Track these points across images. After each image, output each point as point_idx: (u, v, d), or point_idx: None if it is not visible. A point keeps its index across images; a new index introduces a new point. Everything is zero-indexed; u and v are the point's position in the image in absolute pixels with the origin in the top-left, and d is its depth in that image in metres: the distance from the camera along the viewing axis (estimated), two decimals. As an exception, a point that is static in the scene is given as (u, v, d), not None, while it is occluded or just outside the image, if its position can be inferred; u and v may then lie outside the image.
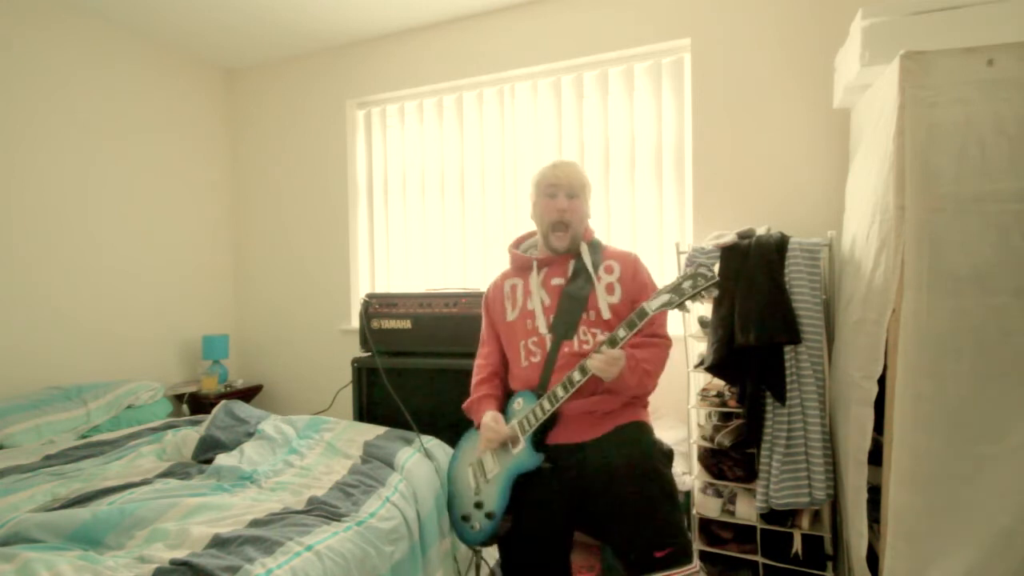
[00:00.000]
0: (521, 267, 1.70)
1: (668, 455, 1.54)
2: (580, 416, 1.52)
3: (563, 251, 1.63)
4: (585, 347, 1.54)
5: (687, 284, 1.40)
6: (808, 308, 1.77)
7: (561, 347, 1.55)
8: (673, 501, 1.45)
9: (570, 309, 1.57)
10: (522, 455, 1.51)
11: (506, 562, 1.60)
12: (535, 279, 1.64)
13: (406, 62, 3.06)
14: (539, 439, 1.52)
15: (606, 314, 1.54)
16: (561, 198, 1.60)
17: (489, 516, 1.55)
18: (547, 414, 1.49)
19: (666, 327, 1.61)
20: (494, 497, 1.55)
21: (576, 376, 1.44)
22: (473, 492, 1.61)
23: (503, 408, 1.64)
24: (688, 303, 1.41)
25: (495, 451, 1.57)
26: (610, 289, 1.58)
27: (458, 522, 1.66)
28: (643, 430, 1.55)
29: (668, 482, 1.47)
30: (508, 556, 1.59)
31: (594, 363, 1.40)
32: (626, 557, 1.43)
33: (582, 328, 1.55)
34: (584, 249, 1.62)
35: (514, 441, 1.53)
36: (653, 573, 1.36)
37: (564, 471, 1.50)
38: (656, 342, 1.55)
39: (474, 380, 1.74)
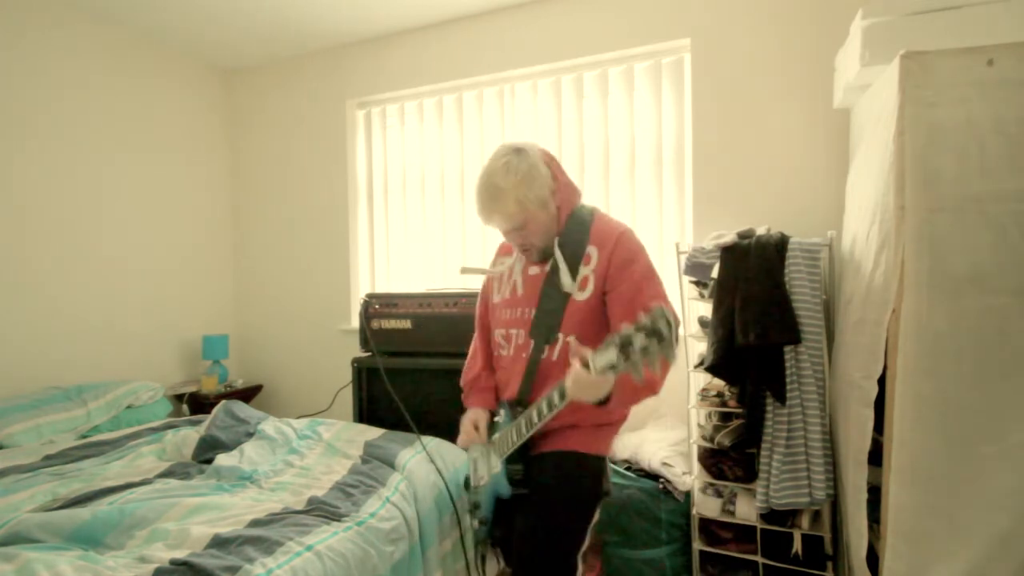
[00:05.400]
0: (509, 249, 1.56)
1: (596, 491, 1.42)
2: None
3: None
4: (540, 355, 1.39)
5: (639, 342, 1.01)
6: (808, 308, 1.77)
7: (543, 353, 1.38)
8: (573, 534, 1.37)
9: (551, 310, 1.38)
10: (498, 479, 1.40)
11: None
12: (517, 264, 1.50)
13: (406, 62, 3.06)
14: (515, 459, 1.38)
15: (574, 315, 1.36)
16: (510, 235, 1.41)
17: (482, 522, 1.48)
18: (523, 439, 1.33)
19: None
20: (486, 503, 1.46)
21: (556, 399, 1.22)
22: (473, 490, 1.52)
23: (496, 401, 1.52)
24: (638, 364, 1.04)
25: (484, 461, 1.46)
26: (583, 284, 1.36)
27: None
28: (581, 463, 1.38)
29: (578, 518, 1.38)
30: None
31: (568, 385, 1.15)
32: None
33: (560, 334, 1.36)
34: (557, 251, 1.39)
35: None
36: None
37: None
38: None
39: (467, 371, 1.60)
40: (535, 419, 1.27)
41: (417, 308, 2.41)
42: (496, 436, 1.43)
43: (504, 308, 1.49)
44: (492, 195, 1.35)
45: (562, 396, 1.19)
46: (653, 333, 1.01)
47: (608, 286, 1.35)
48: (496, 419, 1.47)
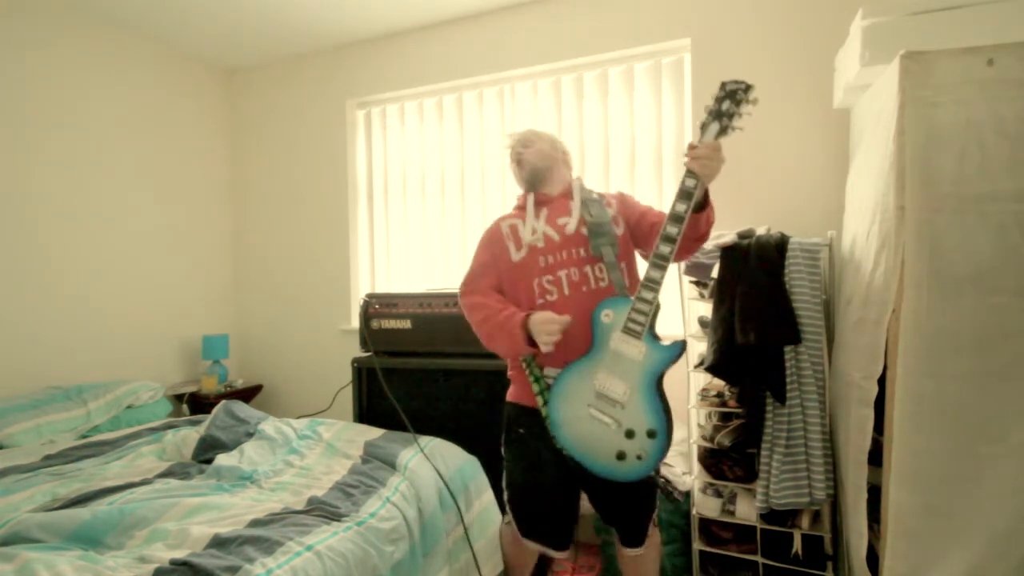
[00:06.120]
0: (521, 207, 1.68)
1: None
2: None
3: (545, 189, 1.65)
4: (601, 284, 1.51)
5: (727, 105, 1.39)
6: (808, 308, 1.77)
7: (614, 273, 1.51)
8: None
9: (609, 242, 1.53)
10: (654, 355, 1.38)
11: (520, 511, 1.64)
12: (539, 219, 1.60)
13: (406, 62, 3.06)
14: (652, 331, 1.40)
15: (609, 256, 1.52)
16: (519, 151, 1.69)
17: (652, 435, 1.38)
18: (655, 303, 1.37)
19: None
20: (644, 415, 1.39)
21: (689, 185, 1.36)
22: (615, 428, 1.41)
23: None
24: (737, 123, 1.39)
25: (610, 375, 1.41)
26: (615, 221, 1.60)
27: (611, 469, 1.44)
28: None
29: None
30: (523, 505, 1.63)
31: (694, 162, 1.35)
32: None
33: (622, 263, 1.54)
34: (576, 184, 1.65)
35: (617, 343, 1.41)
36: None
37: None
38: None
39: (480, 313, 1.56)
40: (673, 233, 1.36)
41: (417, 308, 2.41)
42: (621, 328, 1.39)
43: (538, 256, 1.55)
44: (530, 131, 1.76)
45: (692, 175, 1.36)
46: (726, 96, 1.40)
47: (627, 217, 1.64)
48: (603, 319, 1.43)
